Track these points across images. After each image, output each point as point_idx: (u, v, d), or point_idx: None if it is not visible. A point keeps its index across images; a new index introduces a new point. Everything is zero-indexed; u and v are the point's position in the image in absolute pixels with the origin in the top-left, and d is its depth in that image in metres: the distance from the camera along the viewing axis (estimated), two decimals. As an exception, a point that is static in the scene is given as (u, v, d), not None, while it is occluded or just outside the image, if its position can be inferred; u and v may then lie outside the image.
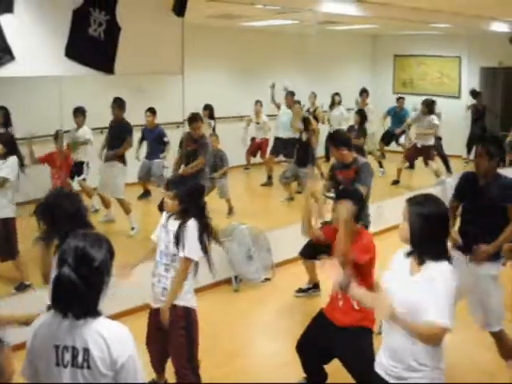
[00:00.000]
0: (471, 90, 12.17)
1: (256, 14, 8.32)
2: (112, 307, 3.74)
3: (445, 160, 11.16)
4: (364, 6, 7.48)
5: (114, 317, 3.51)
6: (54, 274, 2.39)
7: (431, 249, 2.79)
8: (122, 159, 7.63)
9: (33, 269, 5.69)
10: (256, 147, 11.05)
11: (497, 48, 11.40)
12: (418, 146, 10.12)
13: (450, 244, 4.18)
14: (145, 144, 8.51)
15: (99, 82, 7.39)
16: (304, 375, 4.34)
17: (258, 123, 10.92)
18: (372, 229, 5.42)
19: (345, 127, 10.48)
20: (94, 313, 2.26)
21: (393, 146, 11.85)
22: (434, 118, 10.08)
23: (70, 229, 2.68)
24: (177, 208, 3.87)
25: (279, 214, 8.77)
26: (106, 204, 7.75)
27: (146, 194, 8.84)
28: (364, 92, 11.31)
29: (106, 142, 7.80)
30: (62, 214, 3.24)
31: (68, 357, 2.22)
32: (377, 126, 11.50)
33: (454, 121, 11.97)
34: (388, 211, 7.46)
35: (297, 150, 9.24)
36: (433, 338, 2.70)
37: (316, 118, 10.18)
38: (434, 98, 11.84)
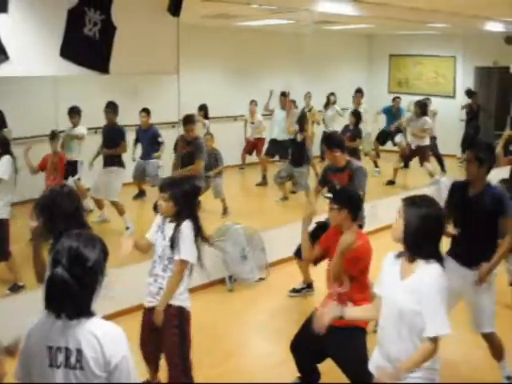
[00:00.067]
0: (466, 89, 12.21)
1: (252, 13, 8.32)
2: (106, 307, 3.75)
3: (439, 159, 11.19)
4: (361, 5, 7.48)
5: (109, 317, 3.54)
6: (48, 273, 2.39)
7: (424, 249, 2.80)
8: (119, 162, 7.64)
9: (26, 270, 5.69)
10: (252, 146, 11.06)
11: (492, 48, 11.43)
12: (413, 147, 10.15)
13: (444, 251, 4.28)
14: (139, 144, 8.50)
15: (94, 82, 7.39)
16: (298, 375, 4.35)
17: (252, 123, 10.93)
18: (366, 228, 5.45)
19: (339, 128, 10.53)
20: (88, 313, 2.25)
21: (388, 145, 11.85)
22: (426, 120, 10.11)
23: (67, 228, 2.67)
24: (171, 210, 3.87)
25: (274, 213, 8.78)
26: (99, 205, 7.75)
27: (140, 194, 8.83)
28: (358, 92, 11.32)
29: (100, 149, 7.79)
30: (60, 213, 3.23)
31: (61, 358, 2.22)
32: (371, 123, 11.51)
33: (448, 120, 12.01)
34: (382, 211, 7.47)
35: (292, 150, 9.26)
36: (435, 351, 2.78)
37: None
38: (429, 98, 11.95)
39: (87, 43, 4.83)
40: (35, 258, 3.50)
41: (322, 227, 5.34)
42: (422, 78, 13.78)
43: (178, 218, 3.86)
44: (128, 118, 8.32)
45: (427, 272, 2.76)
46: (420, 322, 2.75)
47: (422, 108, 10.17)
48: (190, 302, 3.99)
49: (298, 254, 6.03)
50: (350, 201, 4.15)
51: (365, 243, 4.07)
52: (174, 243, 3.83)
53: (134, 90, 8.35)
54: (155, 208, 4.08)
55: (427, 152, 10.22)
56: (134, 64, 5.25)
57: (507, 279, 5.96)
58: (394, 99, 12.05)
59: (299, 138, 9.08)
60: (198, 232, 3.90)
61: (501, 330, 4.43)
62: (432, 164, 10.47)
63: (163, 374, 4.16)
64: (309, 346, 4.10)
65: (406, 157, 10.53)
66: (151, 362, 4.17)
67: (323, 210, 4.96)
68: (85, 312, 2.25)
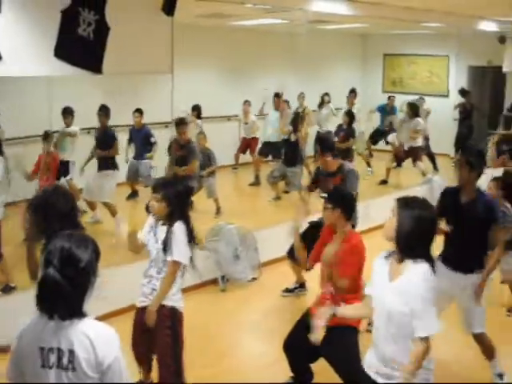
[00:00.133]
0: (460, 88, 12.24)
1: (246, 13, 8.31)
2: (99, 308, 3.75)
3: (432, 159, 11.23)
4: (355, 5, 7.48)
5: (102, 317, 3.54)
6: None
7: (415, 251, 2.82)
8: (113, 165, 7.64)
9: (18, 271, 5.68)
10: (245, 146, 11.07)
11: (485, 47, 11.47)
12: (406, 148, 10.19)
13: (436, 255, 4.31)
14: (132, 144, 8.49)
15: (88, 82, 7.38)
16: (291, 375, 4.37)
17: (246, 123, 10.93)
18: (359, 227, 5.46)
19: (332, 127, 10.55)
20: (80, 314, 2.25)
21: (381, 145, 11.89)
22: (419, 121, 10.15)
23: (61, 228, 2.67)
24: (164, 210, 3.86)
25: (267, 213, 8.79)
26: (91, 206, 7.74)
27: (133, 194, 8.82)
28: (352, 92, 11.34)
29: (92, 151, 7.77)
30: (54, 213, 3.22)
31: (53, 358, 2.22)
32: (364, 122, 11.54)
33: (442, 120, 12.04)
34: (375, 210, 7.49)
35: (285, 150, 9.28)
36: (428, 350, 2.82)
37: (302, 117, 10.19)
38: (423, 97, 11.99)
39: (81, 43, 4.81)
40: (29, 258, 3.50)
41: (314, 227, 5.35)
42: (416, 77, 13.82)
43: (170, 219, 3.85)
44: (122, 118, 8.32)
45: (415, 272, 2.78)
46: (408, 323, 2.77)
47: (414, 109, 10.22)
48: (183, 303, 4.00)
49: (290, 253, 6.05)
50: (343, 200, 4.18)
51: (358, 243, 4.09)
52: (166, 245, 3.83)
53: (128, 89, 8.34)
54: (147, 208, 4.07)
55: (420, 152, 10.26)
56: (128, 64, 5.23)
57: (500, 277, 5.97)
58: (389, 97, 12.09)
59: (293, 138, 9.10)
60: (191, 233, 3.91)
61: (492, 329, 4.46)
62: (424, 163, 10.50)
63: (156, 374, 4.16)
64: (302, 346, 4.10)
65: (400, 158, 10.56)
66: (143, 363, 4.17)
67: (316, 209, 4.98)
68: (77, 313, 2.25)
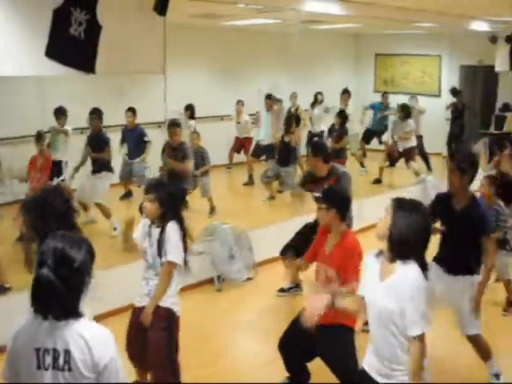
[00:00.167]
0: (451, 88, 12.28)
1: (238, 13, 8.30)
2: (95, 308, 3.72)
3: (425, 158, 11.26)
4: (348, 5, 7.48)
5: (97, 318, 3.52)
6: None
7: (406, 251, 2.81)
8: (108, 167, 7.61)
9: (12, 271, 5.65)
10: (239, 145, 11.06)
11: (477, 46, 11.51)
12: (400, 149, 10.22)
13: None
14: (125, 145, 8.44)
15: (80, 81, 7.34)
16: (287, 375, 4.35)
17: (238, 123, 10.92)
18: (353, 227, 5.46)
19: (325, 127, 10.56)
20: (75, 314, 2.24)
21: (375, 144, 11.92)
22: (410, 122, 10.19)
23: (57, 228, 2.65)
24: (156, 211, 3.84)
25: (261, 213, 8.79)
26: (84, 207, 7.71)
27: (127, 194, 8.78)
28: (346, 92, 11.35)
29: (84, 152, 7.73)
30: (52, 213, 3.20)
31: (49, 359, 2.21)
32: (357, 122, 11.57)
33: (434, 119, 12.08)
34: (369, 210, 7.49)
35: (279, 151, 9.28)
36: (424, 347, 2.82)
37: (298, 118, 10.19)
38: (415, 96, 12.02)
39: (73, 43, 4.79)
40: (26, 258, 3.47)
41: (310, 227, 5.36)
42: (408, 77, 13.85)
43: (162, 220, 3.84)
44: (114, 118, 8.28)
45: (405, 271, 2.78)
46: (398, 321, 2.77)
47: (406, 111, 10.26)
48: (179, 307, 3.96)
49: (284, 253, 6.05)
50: (338, 200, 4.17)
51: (352, 240, 4.08)
52: (160, 246, 3.81)
53: (120, 89, 8.31)
54: (141, 210, 4.05)
55: (413, 152, 10.30)
56: (120, 63, 5.21)
57: (494, 275, 5.99)
58: (382, 95, 12.11)
59: (287, 139, 9.11)
60: (184, 234, 3.89)
61: (488, 329, 4.46)
62: (418, 163, 10.53)
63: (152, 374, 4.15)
64: (297, 345, 4.10)
65: (393, 158, 10.58)
66: (137, 363, 4.13)
67: (311, 209, 4.97)
68: (72, 313, 2.24)
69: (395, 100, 11.95)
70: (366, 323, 3.12)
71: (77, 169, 7.75)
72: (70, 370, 2.20)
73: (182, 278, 4.03)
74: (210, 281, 6.45)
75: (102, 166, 7.59)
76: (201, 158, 8.32)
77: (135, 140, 8.20)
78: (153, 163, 7.97)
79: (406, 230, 2.78)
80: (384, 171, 10.58)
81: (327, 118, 11.04)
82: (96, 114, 7.59)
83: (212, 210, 8.46)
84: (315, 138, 10.45)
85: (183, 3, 6.36)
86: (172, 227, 3.81)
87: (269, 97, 10.37)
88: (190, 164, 7.40)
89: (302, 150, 10.40)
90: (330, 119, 10.80)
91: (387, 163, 10.71)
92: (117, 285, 5.24)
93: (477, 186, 5.29)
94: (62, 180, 7.59)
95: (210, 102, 10.89)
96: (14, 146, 7.65)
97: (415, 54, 13.57)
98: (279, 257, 6.18)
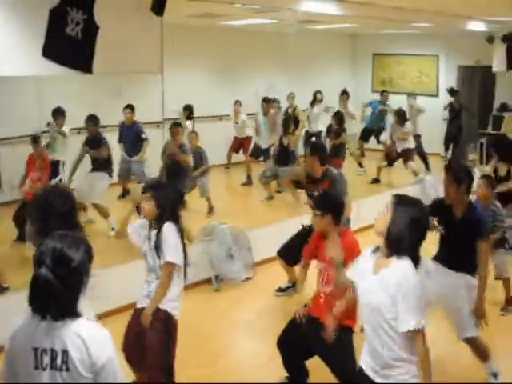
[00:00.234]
0: (449, 88, 12.29)
1: (235, 13, 8.30)
2: (93, 308, 3.72)
3: (424, 158, 11.28)
4: (344, 5, 7.48)
5: (99, 316, 3.52)
6: None
7: (402, 248, 2.82)
8: (107, 168, 7.59)
9: (10, 271, 5.65)
10: (238, 145, 11.05)
11: (474, 47, 11.51)
12: (398, 150, 10.24)
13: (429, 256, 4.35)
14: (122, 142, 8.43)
15: (78, 81, 7.34)
16: (286, 374, 4.35)
17: (236, 123, 10.92)
18: (352, 226, 5.47)
19: (323, 127, 10.56)
20: (73, 314, 2.24)
21: (373, 144, 11.92)
22: (407, 125, 10.21)
23: (58, 228, 2.65)
24: (153, 212, 3.84)
25: (259, 213, 8.79)
26: (82, 207, 7.68)
27: (125, 193, 8.77)
28: (344, 93, 11.34)
29: (81, 154, 7.71)
30: (52, 213, 3.20)
31: (47, 360, 2.21)
32: (356, 123, 11.57)
33: (432, 119, 12.10)
34: (367, 210, 7.49)
35: (277, 152, 9.29)
36: (425, 340, 2.83)
37: (296, 119, 10.18)
38: (413, 95, 12.04)
39: (70, 43, 4.78)
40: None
41: (310, 229, 5.37)
42: (405, 77, 13.86)
43: (159, 221, 3.83)
44: (112, 118, 8.28)
45: (399, 267, 2.79)
46: (388, 315, 2.78)
47: (401, 115, 10.29)
48: (179, 310, 3.95)
49: (281, 253, 6.06)
50: (332, 206, 4.18)
51: (351, 239, 4.09)
52: (158, 248, 3.80)
53: (118, 89, 8.31)
54: (138, 210, 4.04)
55: (412, 153, 10.33)
56: (118, 64, 5.21)
57: (494, 274, 5.99)
58: (381, 93, 12.10)
59: (285, 141, 9.11)
60: (181, 234, 3.88)
61: (486, 329, 4.44)
62: (416, 163, 10.54)
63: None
64: (296, 343, 4.12)
65: (391, 158, 10.60)
66: (133, 363, 4.10)
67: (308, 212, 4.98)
68: (70, 313, 2.24)
69: (393, 100, 11.98)
70: None
71: (74, 169, 7.74)
72: (67, 370, 2.19)
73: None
74: (208, 281, 6.44)
75: (101, 165, 7.57)
76: (199, 158, 8.32)
77: (133, 137, 8.19)
78: (152, 163, 7.97)
79: (405, 226, 2.80)
80: (382, 171, 10.59)
81: (325, 118, 11.04)
82: (92, 120, 7.58)
83: (210, 209, 8.45)
84: (313, 138, 10.45)
85: (180, 3, 6.37)
86: (169, 228, 3.80)
87: (266, 100, 10.31)
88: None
89: (300, 150, 10.40)
90: (327, 119, 10.81)
91: (385, 163, 10.72)
92: (116, 284, 5.24)
93: (475, 186, 5.29)
94: (60, 180, 7.58)
95: (208, 101, 10.88)
96: (12, 146, 7.65)
97: (412, 54, 13.59)
98: (277, 256, 6.19)
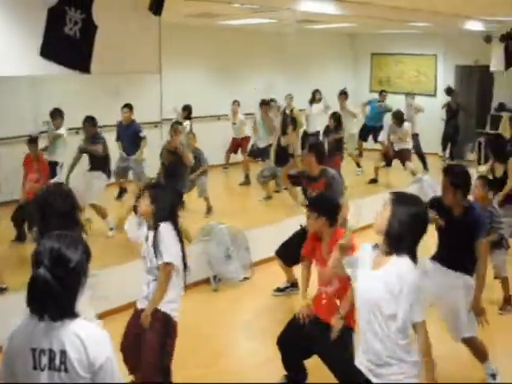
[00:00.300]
0: (446, 87, 12.31)
1: (234, 12, 8.29)
2: (95, 307, 3.72)
3: (422, 158, 11.28)
4: (343, 4, 7.48)
5: (100, 316, 3.52)
6: None
7: (403, 245, 2.82)
8: (104, 169, 7.57)
9: (8, 272, 5.64)
10: (236, 146, 11.05)
11: (472, 46, 11.51)
12: (396, 149, 10.25)
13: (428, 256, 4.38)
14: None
15: (76, 81, 7.33)
16: (284, 373, 4.35)
17: (234, 123, 10.90)
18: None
19: (321, 127, 10.55)
20: (71, 314, 2.24)
21: (371, 144, 11.93)
22: (404, 125, 10.22)
23: (59, 228, 2.65)
24: (150, 211, 3.83)
25: (257, 213, 8.79)
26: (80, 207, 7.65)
27: (122, 193, 8.74)
28: (343, 94, 11.32)
29: (78, 154, 7.70)
30: (52, 213, 3.21)
31: (45, 360, 2.20)
32: (355, 123, 11.58)
33: (430, 119, 12.10)
34: (365, 209, 7.49)
35: (276, 152, 9.28)
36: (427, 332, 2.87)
37: (295, 120, 10.17)
38: (411, 94, 12.06)
39: (68, 42, 4.77)
40: None
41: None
42: (403, 76, 13.86)
43: (156, 221, 3.83)
44: (110, 118, 8.26)
45: (401, 263, 2.80)
46: (389, 311, 2.78)
47: (399, 118, 10.31)
48: (178, 312, 3.94)
49: (279, 253, 6.06)
50: (327, 208, 4.19)
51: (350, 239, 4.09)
52: (155, 248, 3.79)
53: (116, 89, 8.29)
54: (135, 209, 4.04)
55: (409, 153, 10.35)
56: (116, 63, 5.20)
57: (493, 273, 6.00)
58: (380, 93, 12.11)
59: (283, 142, 9.10)
60: (180, 235, 3.88)
61: (484, 328, 4.44)
62: (414, 162, 10.55)
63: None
64: (297, 343, 4.12)
65: (388, 157, 10.61)
66: (132, 364, 4.09)
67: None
68: (68, 313, 2.23)
69: (391, 99, 11.99)
70: None
71: (71, 168, 7.72)
72: (66, 370, 2.19)
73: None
74: (207, 281, 6.44)
75: (98, 165, 7.55)
76: (197, 159, 8.30)
77: (131, 136, 8.14)
78: (150, 163, 7.95)
79: (404, 223, 2.80)
80: (380, 171, 10.60)
81: (323, 118, 11.01)
82: (90, 122, 7.54)
83: (209, 209, 8.45)
84: (311, 138, 10.45)
85: (178, 3, 6.35)
86: (165, 228, 3.80)
87: (264, 103, 10.21)
88: (190, 155, 7.45)
89: (298, 149, 10.39)
90: (325, 120, 10.79)
91: (383, 163, 10.73)
92: (115, 284, 5.24)
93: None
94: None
95: (207, 101, 10.87)
96: (10, 146, 7.63)
97: (410, 54, 13.59)
98: (275, 256, 6.18)
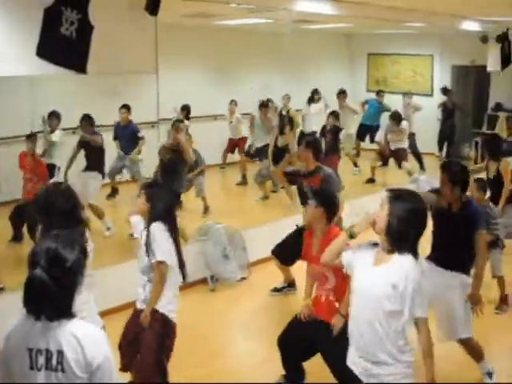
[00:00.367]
0: (442, 87, 12.33)
1: (230, 12, 8.29)
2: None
3: (418, 157, 11.29)
4: (339, 4, 7.48)
5: (99, 315, 3.52)
6: None
7: (404, 242, 2.82)
8: (100, 169, 7.55)
9: (6, 272, 5.63)
10: (233, 146, 11.04)
11: (469, 46, 11.53)
12: (392, 148, 10.27)
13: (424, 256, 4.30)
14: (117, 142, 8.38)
15: (73, 82, 7.32)
16: (282, 373, 4.35)
17: (231, 122, 10.90)
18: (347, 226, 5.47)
19: (317, 128, 10.54)
20: (68, 314, 2.23)
21: (368, 143, 11.94)
22: (402, 124, 10.23)
23: (62, 226, 2.65)
24: (146, 210, 3.84)
25: (254, 212, 8.79)
26: None
27: (113, 192, 8.71)
28: (342, 93, 11.33)
29: (74, 153, 7.67)
30: (54, 211, 3.21)
31: (42, 360, 2.20)
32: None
33: (426, 119, 12.12)
34: (362, 209, 7.49)
35: (273, 152, 9.28)
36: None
37: (291, 119, 10.17)
38: (409, 94, 12.08)
39: (64, 42, 4.76)
40: None
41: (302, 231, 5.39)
42: (399, 76, 13.88)
43: (150, 220, 3.83)
44: (107, 118, 8.25)
45: (404, 261, 2.80)
46: (389, 308, 2.78)
47: (397, 117, 10.32)
48: (176, 314, 3.94)
49: (275, 252, 6.06)
50: (327, 201, 4.22)
51: (337, 234, 4.08)
52: (147, 247, 3.79)
53: (113, 89, 8.29)
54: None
55: (405, 153, 10.35)
56: (112, 63, 5.19)
57: (491, 272, 6.01)
58: (377, 93, 12.13)
59: (280, 142, 9.10)
60: (174, 233, 3.87)
61: (480, 327, 4.45)
62: (411, 162, 10.56)
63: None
64: (298, 344, 4.12)
65: (385, 157, 10.62)
66: (129, 363, 4.08)
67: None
68: (65, 313, 2.23)
69: (388, 99, 12.01)
70: None
71: (68, 167, 7.70)
72: (63, 370, 2.19)
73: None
74: (204, 281, 6.44)
75: (94, 165, 7.52)
76: (195, 159, 8.29)
77: (128, 137, 8.12)
78: (147, 163, 7.95)
79: (404, 219, 2.78)
80: (377, 171, 10.61)
81: (320, 118, 11.01)
82: (87, 120, 7.52)
83: (206, 209, 8.44)
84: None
85: (175, 3, 6.35)
86: (157, 227, 3.79)
87: (263, 105, 10.14)
88: (191, 151, 7.45)
89: (295, 149, 10.38)
90: (322, 120, 10.79)
91: (379, 163, 10.74)
92: (113, 284, 5.24)
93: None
94: None
95: (204, 101, 10.86)
96: (7, 146, 7.62)
97: (407, 54, 13.61)
98: (272, 256, 6.19)
